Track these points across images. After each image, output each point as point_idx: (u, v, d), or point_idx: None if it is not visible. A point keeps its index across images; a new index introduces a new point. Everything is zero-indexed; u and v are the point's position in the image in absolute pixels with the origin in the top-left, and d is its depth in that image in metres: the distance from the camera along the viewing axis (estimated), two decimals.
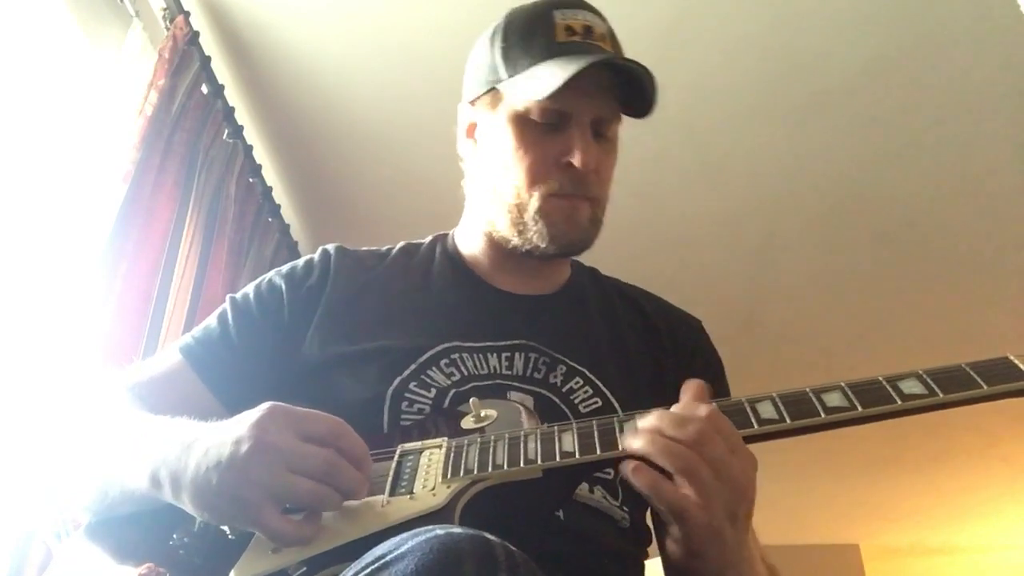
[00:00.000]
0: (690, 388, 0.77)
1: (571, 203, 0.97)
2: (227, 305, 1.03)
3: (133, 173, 1.64)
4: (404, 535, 0.55)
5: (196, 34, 1.93)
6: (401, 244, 1.13)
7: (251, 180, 2.26)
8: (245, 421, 0.70)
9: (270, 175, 2.42)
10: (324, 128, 2.33)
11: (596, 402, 0.94)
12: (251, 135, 2.27)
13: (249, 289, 1.04)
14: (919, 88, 2.15)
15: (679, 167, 2.41)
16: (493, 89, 1.00)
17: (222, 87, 2.07)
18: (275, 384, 0.96)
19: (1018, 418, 3.55)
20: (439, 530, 0.54)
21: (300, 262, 1.07)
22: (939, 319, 2.97)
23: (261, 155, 2.32)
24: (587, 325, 1.05)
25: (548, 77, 0.92)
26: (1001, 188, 2.44)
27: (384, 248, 1.12)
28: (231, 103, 2.11)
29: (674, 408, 0.73)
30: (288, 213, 2.55)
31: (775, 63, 2.11)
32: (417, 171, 2.44)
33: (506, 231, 1.00)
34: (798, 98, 2.21)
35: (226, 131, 2.08)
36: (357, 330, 0.97)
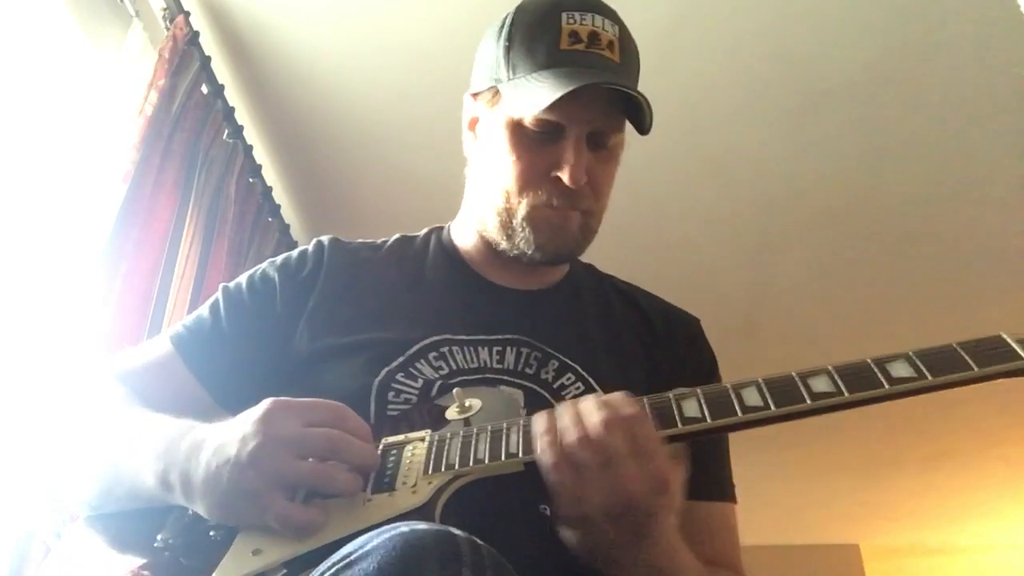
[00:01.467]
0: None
1: (560, 213, 0.96)
2: (220, 295, 1.02)
3: (133, 173, 1.64)
4: (371, 533, 0.55)
5: (196, 34, 1.93)
6: (396, 236, 1.12)
7: (251, 180, 2.26)
8: (250, 418, 0.72)
9: (270, 175, 2.42)
10: (324, 128, 2.33)
11: None
12: (251, 135, 2.27)
13: (243, 279, 1.03)
14: (919, 88, 2.15)
15: (679, 167, 2.41)
16: (494, 87, 0.99)
17: (222, 87, 2.07)
18: (264, 376, 0.96)
19: (1018, 418, 3.55)
20: (404, 527, 0.54)
21: (294, 253, 1.06)
22: (939, 319, 2.96)
23: (261, 155, 2.32)
24: (582, 321, 1.04)
25: (541, 91, 0.90)
26: (1001, 189, 2.44)
27: (380, 240, 1.12)
28: (231, 103, 2.11)
29: (609, 395, 0.73)
30: (288, 213, 2.55)
31: (775, 63, 2.11)
32: (417, 170, 2.44)
33: (495, 234, 1.00)
34: (798, 98, 2.21)
35: (226, 131, 2.09)
36: (348, 323, 0.97)
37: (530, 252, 0.97)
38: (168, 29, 1.88)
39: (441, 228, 1.14)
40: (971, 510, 4.57)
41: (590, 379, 0.95)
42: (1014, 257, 2.68)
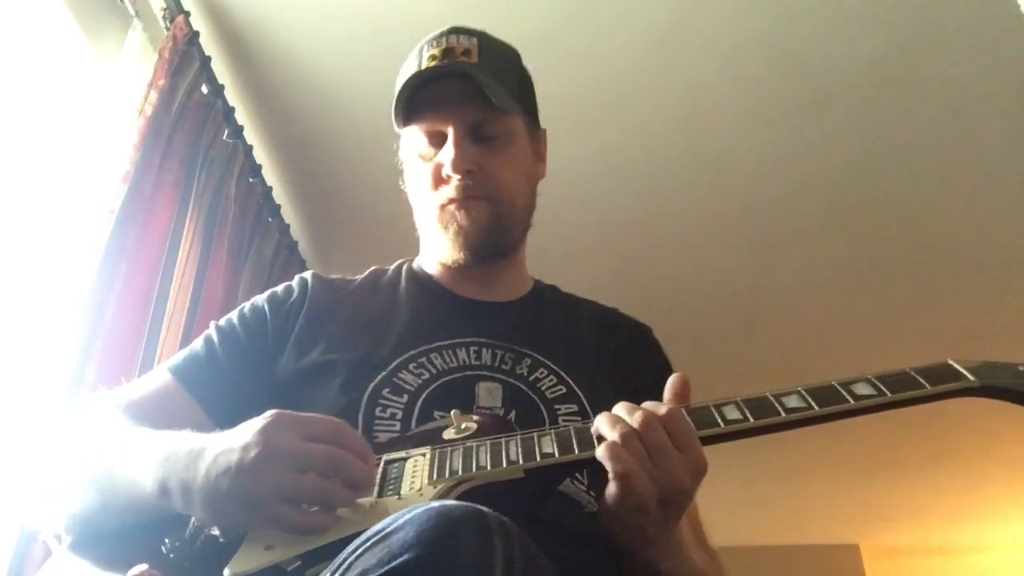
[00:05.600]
0: (671, 385, 0.83)
1: (461, 206, 1.02)
2: (211, 330, 1.07)
3: (133, 173, 1.64)
4: (399, 512, 0.57)
5: (196, 34, 1.93)
6: (371, 269, 1.20)
7: (251, 180, 2.26)
8: (251, 428, 0.73)
9: (270, 175, 2.41)
10: (324, 128, 2.33)
11: (561, 389, 0.99)
12: (251, 135, 2.27)
13: (233, 315, 1.10)
14: (919, 88, 2.15)
15: (679, 167, 2.41)
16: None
17: (222, 87, 2.07)
18: (259, 398, 0.98)
19: (1019, 418, 3.54)
20: (435, 503, 0.57)
21: (280, 287, 1.14)
22: (939, 318, 2.97)
23: (261, 155, 2.32)
24: (548, 326, 1.11)
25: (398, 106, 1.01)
26: (1002, 189, 2.44)
27: (354, 276, 1.20)
28: (231, 103, 2.11)
29: (644, 404, 0.80)
30: (288, 213, 2.55)
31: (775, 63, 2.11)
32: None
33: (437, 252, 1.08)
34: (798, 98, 2.21)
35: (226, 131, 2.09)
36: (330, 341, 1.02)
37: (456, 255, 1.05)
38: (168, 29, 1.88)
39: (410, 260, 1.21)
40: (971, 510, 4.57)
41: (562, 372, 1.01)
42: (1014, 257, 2.68)
